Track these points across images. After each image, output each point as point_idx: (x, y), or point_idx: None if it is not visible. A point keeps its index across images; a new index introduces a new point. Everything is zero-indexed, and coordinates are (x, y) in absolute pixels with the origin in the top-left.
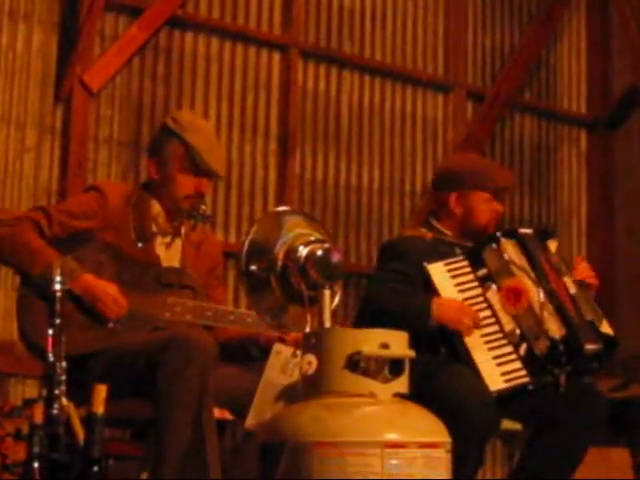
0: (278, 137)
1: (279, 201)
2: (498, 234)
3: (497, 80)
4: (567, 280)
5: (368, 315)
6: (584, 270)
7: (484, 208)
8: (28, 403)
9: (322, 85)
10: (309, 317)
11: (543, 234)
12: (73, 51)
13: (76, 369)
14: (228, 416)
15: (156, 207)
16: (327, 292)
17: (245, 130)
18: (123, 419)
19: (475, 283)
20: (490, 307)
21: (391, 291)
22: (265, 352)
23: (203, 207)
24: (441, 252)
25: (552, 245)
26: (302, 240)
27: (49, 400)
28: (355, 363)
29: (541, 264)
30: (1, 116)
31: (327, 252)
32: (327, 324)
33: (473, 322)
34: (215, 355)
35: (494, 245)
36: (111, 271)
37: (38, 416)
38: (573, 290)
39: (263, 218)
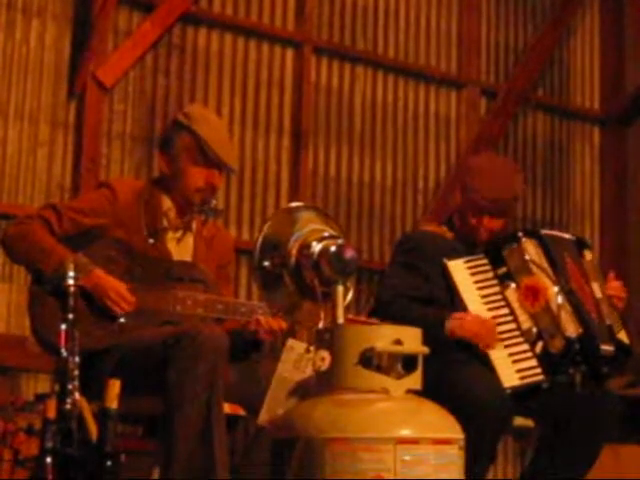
0: (291, 133)
1: (292, 197)
2: (520, 233)
3: (510, 77)
4: (595, 285)
5: (383, 318)
6: (615, 288)
7: (474, 222)
8: (40, 398)
9: (335, 81)
10: (322, 313)
11: (581, 242)
12: (86, 47)
13: (87, 364)
14: (240, 411)
15: (167, 202)
16: (340, 288)
17: (258, 126)
18: (135, 415)
19: (494, 281)
20: (508, 305)
21: (406, 297)
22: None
23: (214, 202)
24: (460, 250)
25: (588, 254)
26: (316, 236)
27: (62, 395)
28: (368, 359)
29: (564, 265)
30: (14, 111)
31: (340, 248)
32: (340, 320)
33: (492, 338)
34: (226, 349)
35: (515, 244)
36: (122, 267)
37: (51, 411)
38: (599, 295)
39: (277, 214)
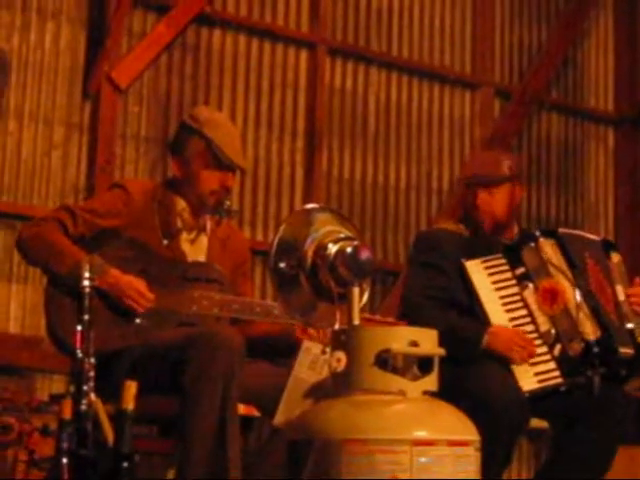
0: (305, 134)
1: (306, 198)
2: (537, 233)
3: (524, 78)
4: (619, 288)
5: (414, 321)
6: (637, 292)
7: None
8: (55, 399)
9: (349, 83)
10: (338, 314)
11: (608, 244)
12: (101, 48)
13: (103, 365)
14: (255, 413)
15: (181, 203)
16: (356, 289)
17: (272, 128)
18: (150, 416)
19: (512, 282)
20: (526, 306)
21: (434, 300)
22: (294, 348)
23: (228, 202)
24: (477, 249)
25: (615, 257)
26: (331, 237)
27: (77, 396)
28: (384, 360)
29: (584, 265)
30: (29, 113)
31: (356, 249)
32: (356, 321)
33: (527, 353)
34: (242, 352)
35: (532, 244)
36: (137, 268)
37: (67, 412)
38: (622, 297)
39: (292, 215)
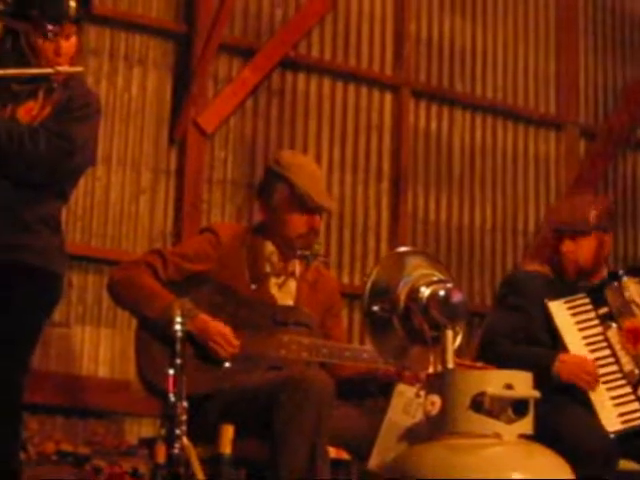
0: (390, 177)
1: (392, 241)
2: (621, 272)
3: (609, 117)
4: None
5: (490, 358)
6: None
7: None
8: (144, 442)
9: (434, 124)
10: (432, 357)
11: None
12: (187, 93)
13: (193, 409)
14: (345, 456)
15: (269, 247)
16: (450, 332)
17: (358, 170)
18: (239, 459)
19: (596, 321)
20: (610, 346)
21: (511, 338)
22: (383, 389)
23: (316, 246)
24: (562, 289)
25: None
26: (424, 280)
27: (170, 439)
28: (479, 404)
29: None
30: (117, 158)
31: (449, 292)
32: (450, 364)
33: (594, 379)
34: (331, 395)
35: (616, 283)
36: (227, 312)
37: (160, 455)
38: None
39: (385, 259)
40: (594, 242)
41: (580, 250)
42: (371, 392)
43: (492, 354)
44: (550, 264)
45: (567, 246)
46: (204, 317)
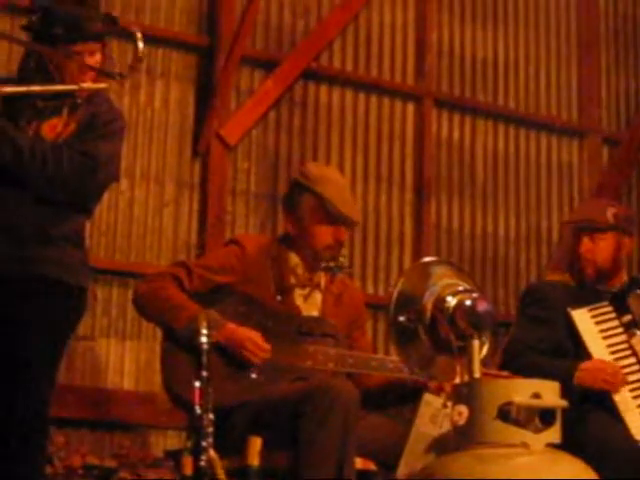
0: (413, 187)
1: (415, 251)
2: None
3: (632, 125)
4: None
5: (512, 370)
6: None
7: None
8: (170, 455)
9: (456, 134)
10: (458, 367)
11: None
12: (210, 106)
13: (219, 421)
14: (372, 466)
15: (294, 259)
16: (476, 342)
17: (381, 180)
18: (266, 470)
19: (620, 329)
20: (635, 354)
21: (534, 349)
22: (409, 396)
23: (341, 259)
24: (584, 298)
25: None
26: (450, 290)
27: (196, 452)
28: (506, 413)
29: None
30: (141, 172)
31: (475, 302)
32: (477, 374)
33: (616, 381)
34: (358, 404)
35: (638, 291)
36: (253, 322)
37: (187, 467)
38: None
39: (410, 269)
40: (612, 241)
41: (598, 249)
42: (394, 401)
43: (515, 366)
44: (570, 271)
45: (585, 245)
46: (231, 325)
